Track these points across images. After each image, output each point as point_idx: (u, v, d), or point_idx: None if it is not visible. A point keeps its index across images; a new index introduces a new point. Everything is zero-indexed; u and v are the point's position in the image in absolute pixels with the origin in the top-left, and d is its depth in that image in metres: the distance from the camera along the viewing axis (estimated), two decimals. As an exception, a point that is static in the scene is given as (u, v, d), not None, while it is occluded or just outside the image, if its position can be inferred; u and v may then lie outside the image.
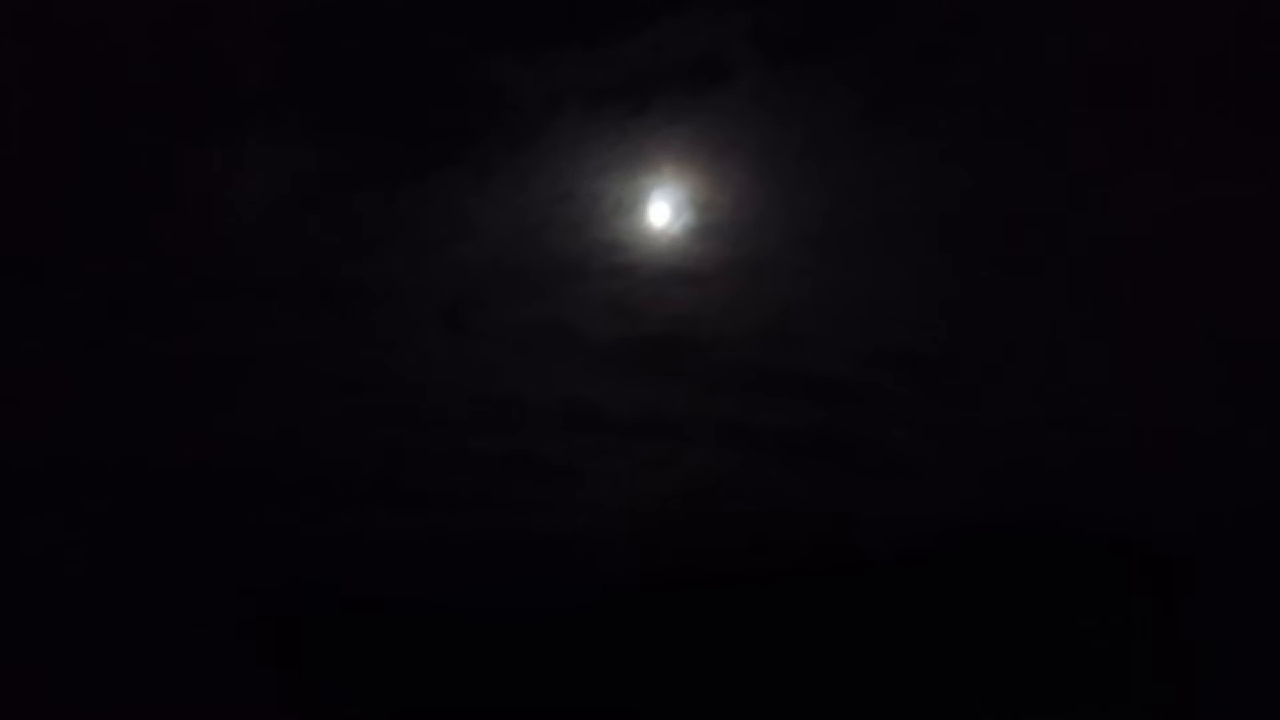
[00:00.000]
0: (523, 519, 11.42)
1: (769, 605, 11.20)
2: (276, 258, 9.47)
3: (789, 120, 8.52)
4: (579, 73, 8.16)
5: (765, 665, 11.01)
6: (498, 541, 11.40)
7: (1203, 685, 9.68)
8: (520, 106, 8.42)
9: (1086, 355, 9.98)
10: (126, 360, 9.98)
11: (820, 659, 10.93)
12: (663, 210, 9.13)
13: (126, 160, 8.75)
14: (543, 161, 8.76)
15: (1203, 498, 10.21)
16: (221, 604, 10.97)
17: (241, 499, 10.99)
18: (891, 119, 8.46)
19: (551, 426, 10.78)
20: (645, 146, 8.65)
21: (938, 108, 8.38)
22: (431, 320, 10.01)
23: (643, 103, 8.31)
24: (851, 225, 9.22)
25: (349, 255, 9.53)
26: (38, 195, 8.90)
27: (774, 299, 9.77)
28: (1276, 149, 8.32)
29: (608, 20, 7.83)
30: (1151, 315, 9.55)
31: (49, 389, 10.07)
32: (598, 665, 11.03)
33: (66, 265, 9.29)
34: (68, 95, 8.32)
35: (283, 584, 11.06)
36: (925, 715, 10.66)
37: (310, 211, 9.23)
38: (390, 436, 10.85)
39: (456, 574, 11.29)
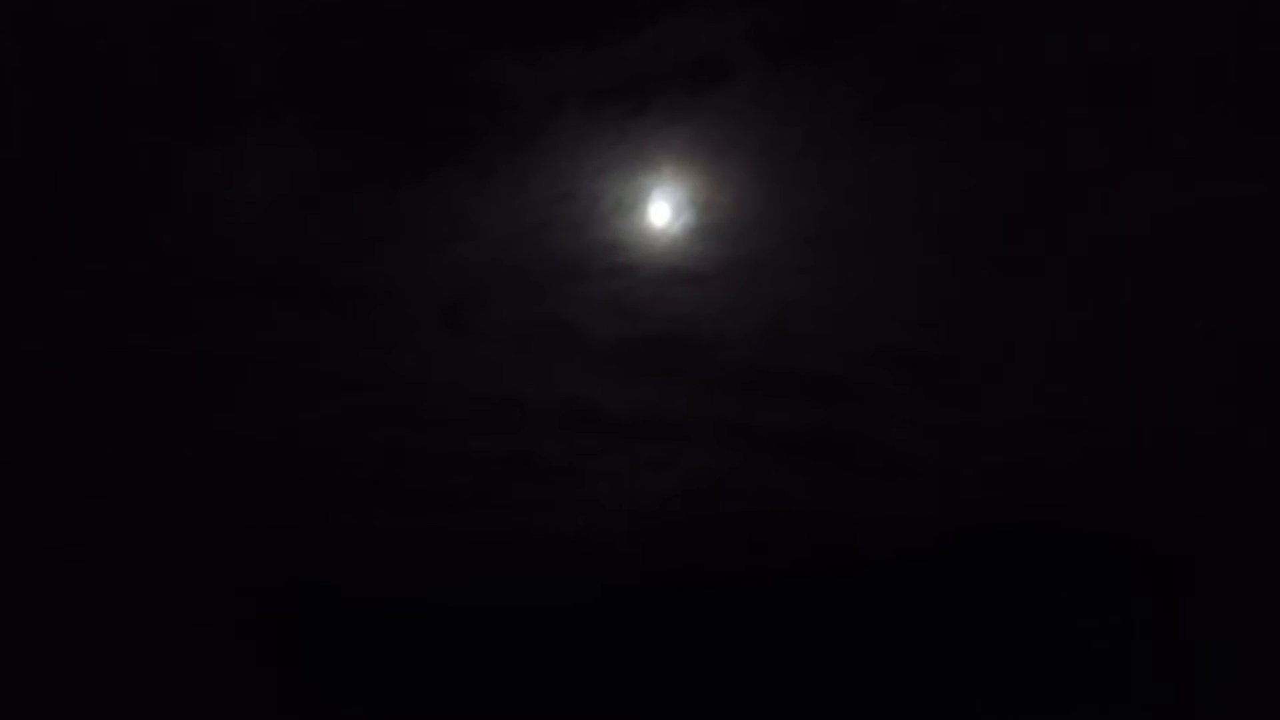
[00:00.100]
0: (523, 519, 11.42)
1: (769, 605, 11.20)
2: (276, 258, 9.47)
3: (789, 120, 8.52)
4: (579, 72, 8.16)
5: (765, 665, 11.01)
6: (498, 541, 11.41)
7: (1203, 685, 9.68)
8: (520, 106, 8.42)
9: (1086, 355, 9.98)
10: (126, 360, 9.98)
11: (821, 659, 10.93)
12: (663, 210, 9.14)
13: (126, 160, 8.75)
14: (543, 161, 8.76)
15: (1203, 498, 10.22)
16: (222, 604, 10.97)
17: (241, 499, 10.99)
18: (891, 118, 8.46)
19: (551, 426, 10.79)
20: (645, 146, 8.65)
21: (938, 108, 8.38)
22: (431, 320, 10.01)
23: (643, 103, 8.31)
24: (851, 225, 9.22)
25: (349, 255, 9.53)
26: (38, 195, 8.90)
27: (774, 299, 9.77)
28: (1276, 149, 8.32)
29: (608, 20, 7.82)
30: (1151, 315, 9.55)
31: (49, 389, 10.07)
32: (598, 665, 11.03)
33: (66, 265, 9.29)
34: (68, 95, 8.31)
35: (283, 584, 11.07)
36: (925, 715, 10.66)
37: (310, 211, 9.23)
38: (390, 436, 10.85)
39: (456, 574, 11.29)
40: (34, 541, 10.68)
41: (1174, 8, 7.71)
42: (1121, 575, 10.58)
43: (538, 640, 11.22)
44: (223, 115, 8.54)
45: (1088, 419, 10.41)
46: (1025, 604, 10.83)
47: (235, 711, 10.60)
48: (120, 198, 8.96)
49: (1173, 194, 8.66)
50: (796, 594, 11.09)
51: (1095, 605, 10.64)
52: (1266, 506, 9.92)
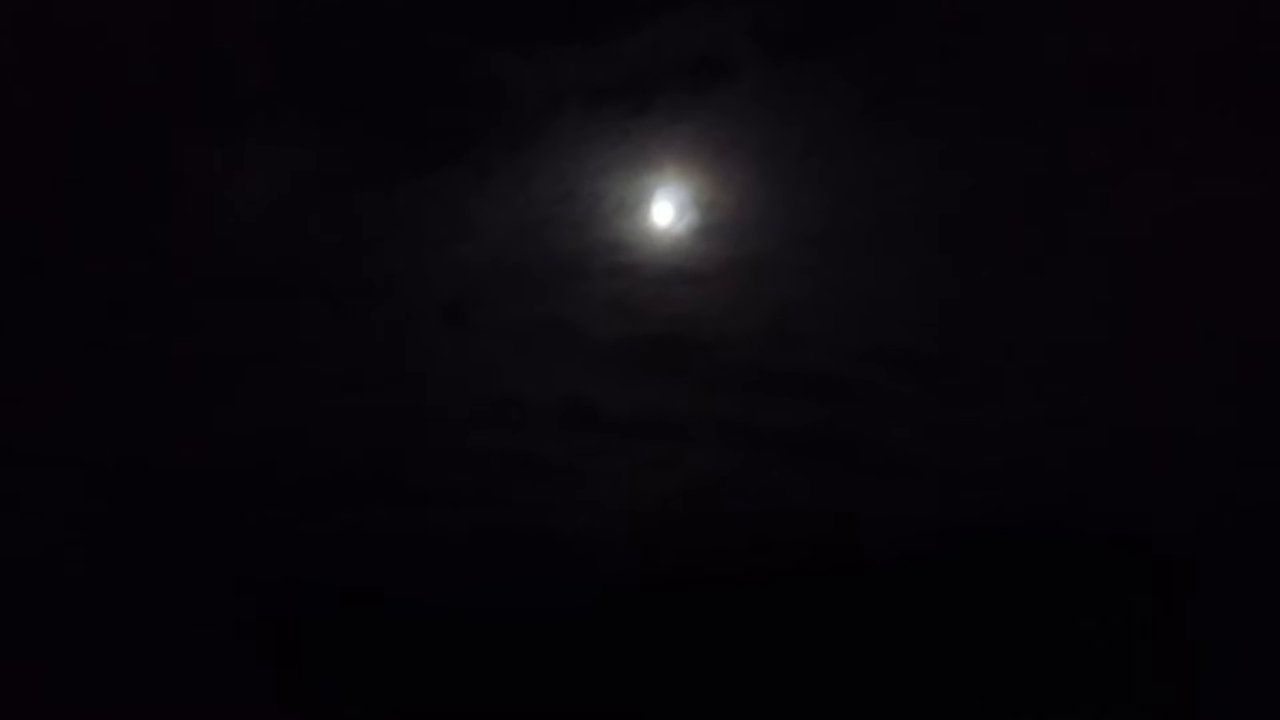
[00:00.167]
0: (523, 518, 11.42)
1: (770, 605, 11.20)
2: (276, 258, 9.46)
3: (791, 119, 8.52)
4: (580, 71, 8.15)
5: (766, 665, 11.01)
6: (498, 540, 11.41)
7: (1203, 685, 9.68)
8: (521, 105, 8.42)
9: (1086, 355, 9.97)
10: (126, 360, 9.97)
11: (821, 659, 10.93)
12: (666, 210, 9.13)
13: (126, 160, 8.74)
14: (544, 161, 8.75)
15: (1203, 498, 10.22)
16: (221, 603, 10.97)
17: (241, 498, 10.99)
18: (893, 115, 8.46)
19: (552, 425, 10.78)
20: (648, 146, 8.65)
21: (939, 106, 8.38)
22: (432, 319, 10.00)
23: (644, 101, 8.30)
24: (853, 224, 9.22)
25: (349, 255, 9.52)
26: (38, 195, 8.89)
27: (776, 298, 9.76)
28: (1276, 149, 8.32)
29: (608, 17, 7.82)
30: (1151, 315, 9.55)
31: (49, 389, 10.07)
32: (598, 665, 11.03)
33: (66, 265, 9.29)
34: (68, 95, 8.31)
35: (282, 582, 11.07)
36: (925, 715, 10.66)
37: (310, 211, 9.22)
38: (390, 435, 10.85)
39: (456, 573, 11.29)
40: (34, 541, 10.67)
41: (1174, 8, 7.71)
42: (1121, 575, 10.58)
43: (538, 639, 11.22)
44: (223, 115, 8.53)
45: (1088, 419, 10.42)
46: (1025, 604, 10.83)
47: (235, 711, 10.60)
48: (120, 198, 8.95)
49: (1173, 194, 8.66)
50: (797, 594, 11.09)
51: (1095, 605, 10.65)
52: (1266, 506, 9.93)
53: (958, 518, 11.05)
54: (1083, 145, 8.56)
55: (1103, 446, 10.52)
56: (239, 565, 11.04)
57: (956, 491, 11.04)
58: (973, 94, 8.32)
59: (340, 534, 11.27)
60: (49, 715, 10.34)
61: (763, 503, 11.35)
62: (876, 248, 9.39)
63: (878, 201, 9.02)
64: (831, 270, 9.52)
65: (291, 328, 9.94)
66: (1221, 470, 10.13)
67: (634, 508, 11.25)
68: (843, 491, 11.20)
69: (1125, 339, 9.75)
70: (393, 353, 10.26)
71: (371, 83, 8.37)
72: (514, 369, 10.37)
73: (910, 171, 8.82)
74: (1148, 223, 8.89)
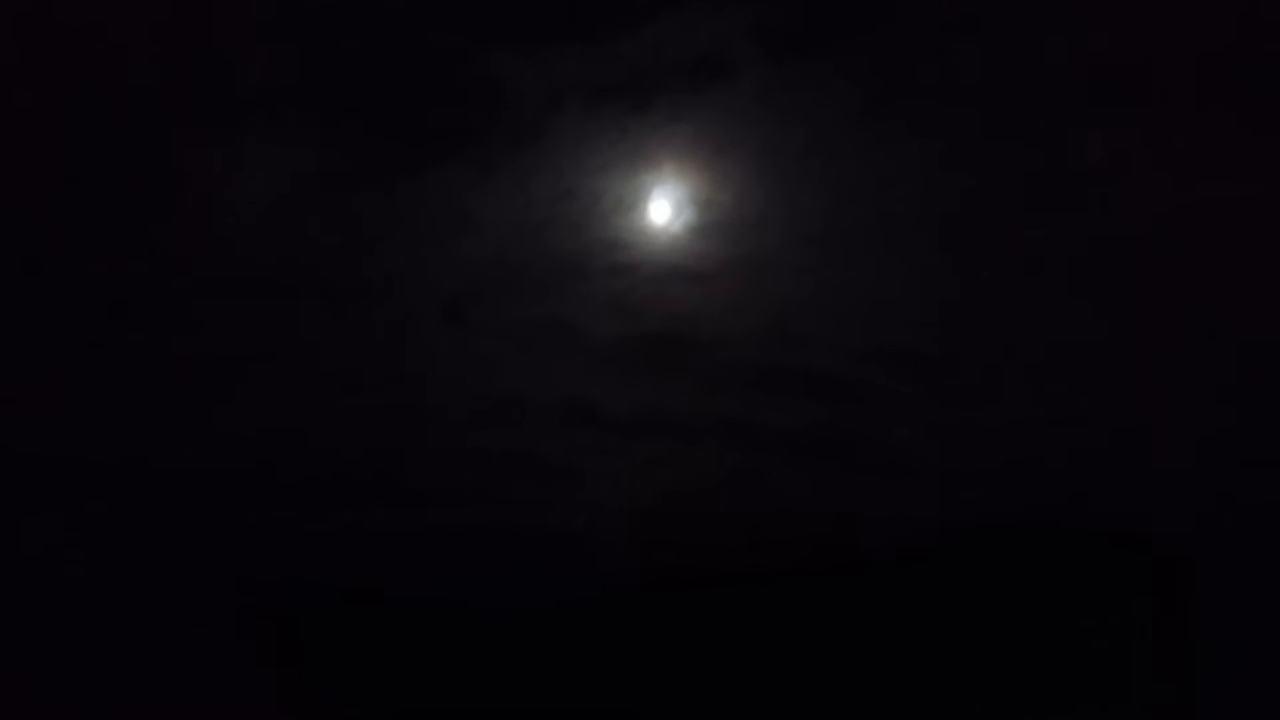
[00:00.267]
0: (523, 517, 11.42)
1: (770, 605, 11.20)
2: (276, 258, 9.47)
3: (790, 118, 8.53)
4: (579, 70, 8.17)
5: (766, 665, 11.01)
6: (498, 539, 11.40)
7: (1203, 685, 9.68)
8: (521, 104, 8.43)
9: (1086, 355, 9.98)
10: (126, 360, 9.97)
11: (821, 659, 10.93)
12: (663, 208, 9.14)
13: (126, 160, 8.75)
14: (544, 159, 8.76)
15: (1203, 498, 10.22)
16: (221, 603, 10.97)
17: (241, 498, 10.99)
18: (892, 115, 8.47)
19: (552, 424, 10.78)
20: (646, 144, 8.66)
21: (938, 106, 8.39)
22: (432, 318, 10.01)
23: (644, 100, 8.31)
24: (853, 224, 9.22)
25: (349, 254, 9.53)
26: (38, 195, 8.90)
27: (775, 298, 9.77)
28: (1276, 149, 8.32)
29: (608, 17, 7.83)
30: (1151, 315, 9.55)
31: (49, 389, 10.07)
32: (598, 664, 11.03)
33: (66, 265, 9.29)
34: (68, 95, 8.31)
35: (283, 582, 11.07)
36: (925, 715, 10.66)
37: (310, 211, 9.23)
38: (390, 435, 10.85)
39: (456, 572, 11.29)
40: (34, 541, 10.68)
41: (1174, 8, 7.71)
42: (1121, 575, 10.58)
43: (538, 639, 11.23)
44: (223, 115, 8.54)
45: (1088, 419, 10.41)
46: (1025, 604, 10.83)
47: (235, 711, 10.60)
48: (120, 198, 8.96)
49: (1173, 194, 8.67)
50: (797, 593, 11.09)
51: (1095, 605, 10.64)
52: (1266, 506, 9.92)
53: (958, 518, 11.05)
54: (1083, 145, 8.57)
55: (1103, 446, 10.51)
56: (239, 565, 11.03)
57: (956, 491, 11.04)
58: (973, 94, 8.33)
59: (340, 534, 11.27)
60: (49, 715, 10.34)
61: (763, 502, 11.35)
62: (876, 247, 9.40)
63: (878, 201, 9.03)
64: (831, 270, 9.53)
65: (291, 328, 9.94)
66: (1221, 470, 10.13)
67: (634, 507, 11.25)
68: (843, 491, 11.20)
69: (1125, 339, 9.75)
70: (393, 353, 10.26)
71: (371, 83, 8.38)
72: (514, 368, 10.38)
73: (910, 171, 8.83)
74: (1148, 223, 8.89)
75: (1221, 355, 9.59)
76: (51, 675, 10.50)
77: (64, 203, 8.96)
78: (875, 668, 10.87)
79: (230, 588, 11.03)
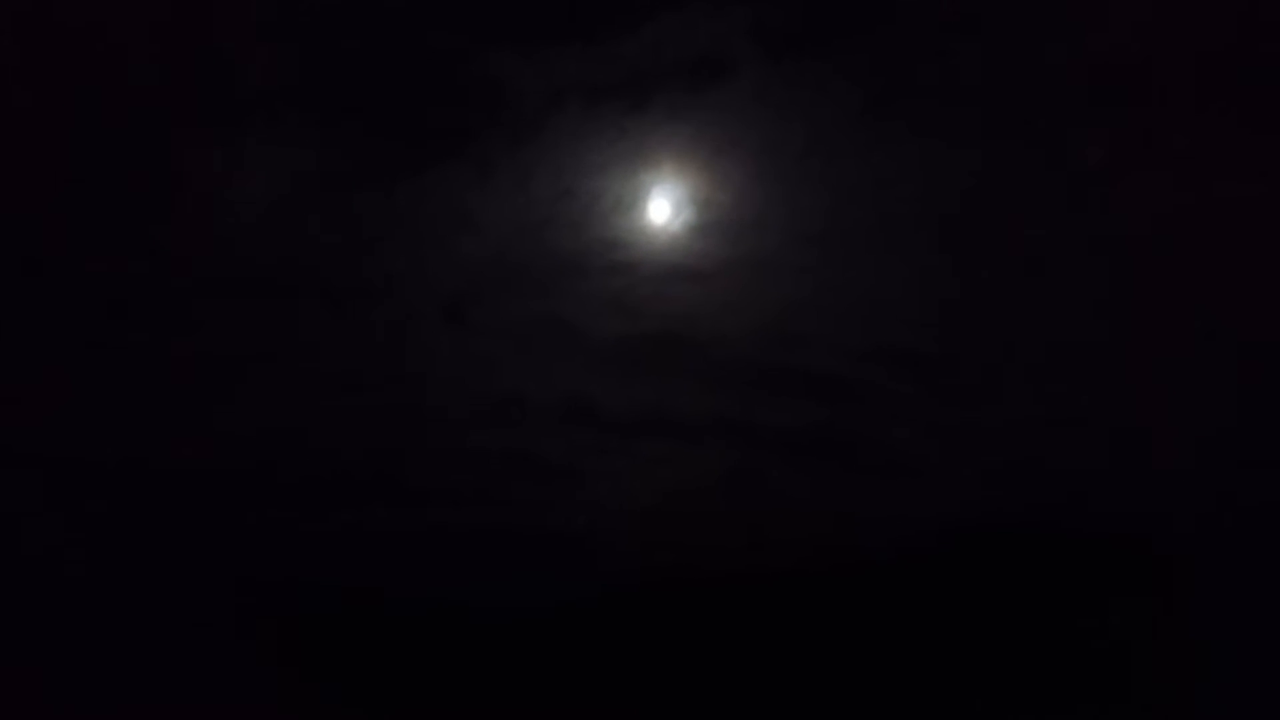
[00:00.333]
0: (523, 517, 11.41)
1: (769, 604, 11.20)
2: (276, 258, 9.47)
3: (790, 117, 8.53)
4: (579, 69, 8.17)
5: (766, 664, 11.01)
6: (498, 539, 11.40)
7: (1203, 685, 9.68)
8: (520, 103, 8.43)
9: (1086, 355, 9.97)
10: (126, 360, 9.97)
11: (821, 658, 10.93)
12: (662, 207, 9.14)
13: (126, 160, 8.75)
14: (543, 158, 8.77)
15: (1203, 498, 10.21)
16: (221, 603, 10.97)
17: (241, 498, 10.99)
18: (892, 115, 8.47)
19: (552, 424, 10.78)
20: (645, 144, 8.66)
21: (939, 106, 8.39)
22: (432, 319, 10.01)
23: (643, 99, 8.32)
24: (853, 224, 9.23)
25: (349, 254, 9.54)
26: (38, 195, 8.90)
27: (775, 297, 9.77)
28: (1276, 149, 8.32)
29: (607, 16, 7.84)
30: (1151, 315, 9.55)
31: (49, 389, 10.07)
32: (598, 664, 11.03)
33: (66, 265, 9.30)
34: (68, 95, 8.32)
35: (283, 582, 11.06)
36: (925, 715, 10.66)
37: (310, 211, 9.23)
38: (390, 435, 10.85)
39: (456, 571, 11.28)
40: (34, 541, 10.68)
41: (1174, 8, 7.71)
42: (1121, 575, 10.58)
43: (538, 639, 11.22)
44: (223, 115, 8.55)
45: (1088, 419, 10.41)
46: (1025, 604, 10.82)
47: (235, 711, 10.60)
48: (120, 198, 8.97)
49: (1173, 194, 8.67)
50: (797, 593, 11.09)
51: (1095, 605, 10.64)
52: (1266, 506, 9.92)
53: (958, 518, 11.04)
54: (1083, 145, 8.57)
55: (1103, 446, 10.51)
56: (239, 565, 11.03)
57: (956, 491, 11.03)
58: (973, 94, 8.34)
59: (340, 534, 11.27)
60: (49, 715, 10.34)
61: (762, 502, 11.35)
62: (876, 247, 9.40)
63: (877, 201, 9.03)
64: (831, 270, 9.53)
65: (291, 328, 9.94)
66: (1221, 470, 10.13)
67: (634, 507, 11.24)
68: (843, 491, 11.20)
69: (1125, 339, 9.75)
70: (393, 353, 10.27)
71: (371, 83, 8.39)
72: (514, 368, 10.38)
73: (910, 171, 8.83)
74: (1148, 223, 8.89)
75: (1221, 355, 9.59)
76: (51, 675, 10.50)
77: (64, 203, 8.96)
78: (875, 667, 10.86)
79: (230, 588, 11.03)
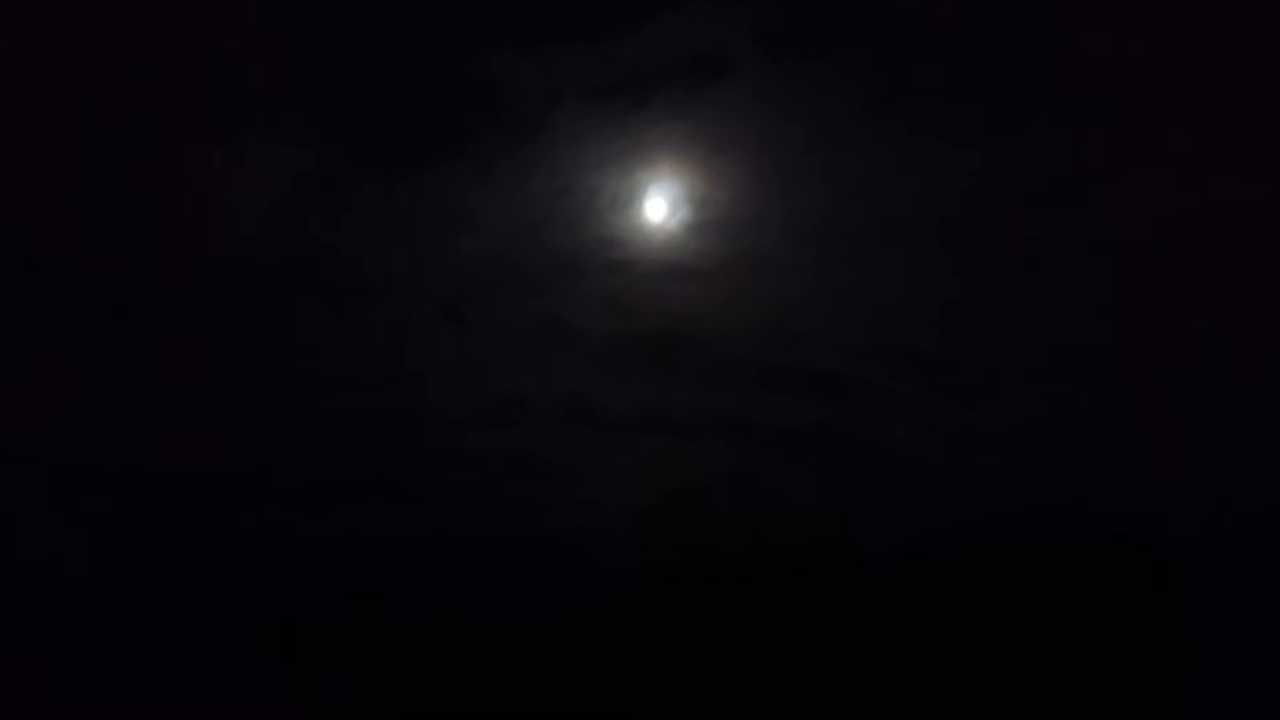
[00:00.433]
0: (523, 516, 11.42)
1: (769, 603, 11.20)
2: (276, 258, 9.47)
3: (789, 116, 8.54)
4: (579, 68, 8.18)
5: (766, 663, 11.01)
6: (498, 538, 11.40)
7: (1203, 685, 9.68)
8: (520, 102, 8.44)
9: (1086, 355, 9.98)
10: (126, 360, 9.98)
11: (821, 657, 10.93)
12: (659, 205, 9.13)
13: (126, 160, 8.75)
14: (542, 157, 8.77)
15: (1203, 498, 10.21)
16: (221, 603, 10.97)
17: (242, 498, 10.99)
18: (891, 114, 8.47)
19: (551, 423, 10.79)
20: (643, 142, 8.67)
21: (938, 106, 8.40)
22: (432, 319, 10.02)
23: (642, 98, 8.32)
24: (851, 223, 9.23)
25: (349, 254, 9.54)
26: (38, 195, 8.90)
27: (773, 296, 9.78)
28: (1276, 149, 8.33)
29: (607, 16, 7.84)
30: (1151, 315, 9.56)
31: (49, 389, 10.07)
32: (598, 663, 11.03)
33: (66, 265, 9.30)
34: (68, 95, 8.32)
35: (283, 582, 11.06)
36: (925, 715, 10.66)
37: (310, 211, 9.24)
38: (390, 435, 10.86)
39: (456, 571, 11.29)
40: (34, 541, 10.68)
41: (1174, 8, 7.72)
42: (1121, 575, 10.58)
43: (538, 638, 11.22)
44: (223, 115, 8.55)
45: (1088, 419, 10.41)
46: (1025, 604, 10.82)
47: (235, 711, 10.60)
48: (120, 198, 8.97)
49: (1173, 194, 8.67)
50: (797, 592, 11.09)
51: (1095, 605, 10.64)
52: (1266, 506, 9.92)
53: (958, 517, 11.05)
54: (1083, 145, 8.57)
55: (1103, 446, 10.51)
56: (239, 565, 11.03)
57: (956, 491, 11.04)
58: (973, 94, 8.34)
59: (340, 534, 11.27)
60: (49, 715, 10.34)
61: (762, 501, 11.35)
62: (875, 246, 9.40)
63: (877, 200, 9.03)
64: (830, 268, 9.53)
65: (291, 328, 9.95)
66: (1221, 470, 10.13)
67: (634, 506, 11.25)
68: (843, 490, 11.20)
69: (1125, 339, 9.75)
70: (393, 353, 10.27)
71: (371, 83, 8.39)
72: (513, 368, 10.39)
73: (910, 171, 8.83)
74: (1148, 223, 8.90)
75: (1221, 355, 9.59)
76: (51, 675, 10.50)
77: (64, 203, 8.96)
78: (875, 666, 10.86)
79: (230, 588, 11.03)
